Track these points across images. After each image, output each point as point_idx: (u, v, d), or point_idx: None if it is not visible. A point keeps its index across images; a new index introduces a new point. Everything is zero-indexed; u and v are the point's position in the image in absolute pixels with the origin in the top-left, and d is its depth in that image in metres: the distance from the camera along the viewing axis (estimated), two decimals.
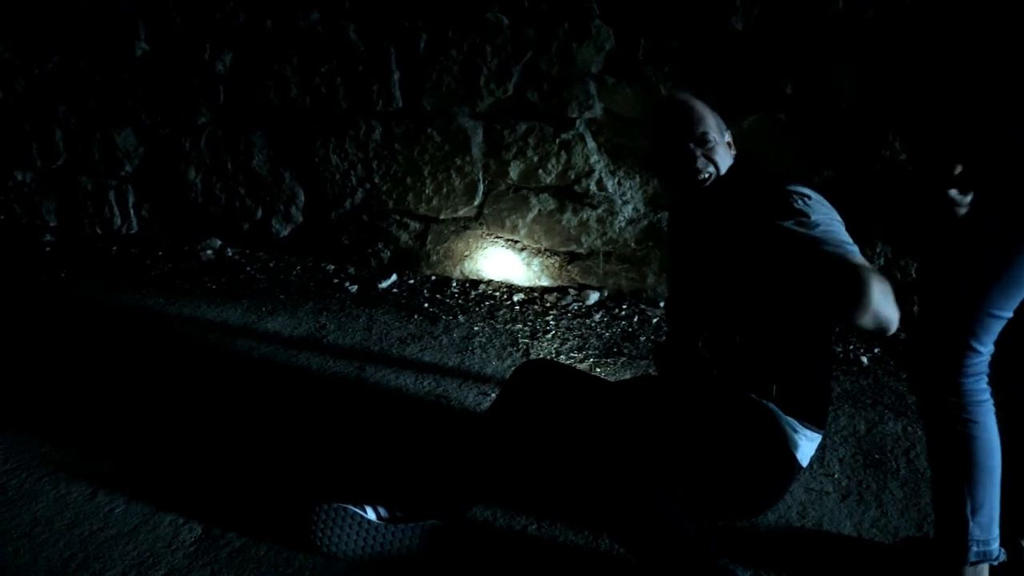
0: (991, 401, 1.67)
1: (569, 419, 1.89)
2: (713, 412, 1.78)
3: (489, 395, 2.62)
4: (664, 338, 2.13)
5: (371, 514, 1.84)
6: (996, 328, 1.63)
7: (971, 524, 1.66)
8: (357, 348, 3.05)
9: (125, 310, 3.48)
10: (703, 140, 1.79)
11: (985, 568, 1.69)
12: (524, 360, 2.00)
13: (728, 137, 1.87)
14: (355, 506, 1.84)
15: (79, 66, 4.24)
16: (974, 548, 1.66)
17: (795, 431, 1.74)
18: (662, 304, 3.33)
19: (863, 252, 1.56)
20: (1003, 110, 1.59)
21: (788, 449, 1.74)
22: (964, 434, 1.65)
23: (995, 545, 1.68)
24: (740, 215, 1.72)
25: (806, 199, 1.63)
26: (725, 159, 1.82)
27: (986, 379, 1.67)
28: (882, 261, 3.04)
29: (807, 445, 1.76)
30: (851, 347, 2.97)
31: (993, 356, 1.68)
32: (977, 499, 1.65)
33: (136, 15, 4.02)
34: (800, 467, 1.77)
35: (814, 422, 1.78)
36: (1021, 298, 1.61)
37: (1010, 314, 1.62)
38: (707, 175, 1.79)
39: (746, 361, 1.77)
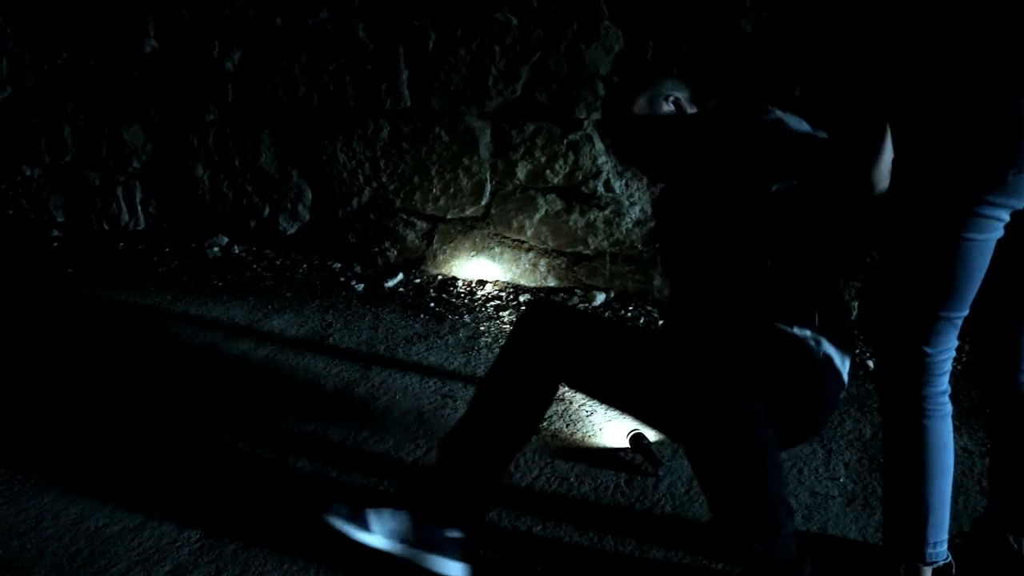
0: (949, 404, 1.64)
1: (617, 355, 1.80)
2: (763, 345, 1.76)
3: None
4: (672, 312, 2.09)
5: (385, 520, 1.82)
6: (949, 330, 1.59)
7: (928, 525, 1.64)
8: (363, 347, 3.05)
9: (131, 307, 3.49)
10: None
11: (929, 571, 1.67)
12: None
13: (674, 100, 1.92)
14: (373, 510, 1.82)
15: (88, 63, 4.25)
16: (929, 549, 1.64)
17: (840, 356, 1.76)
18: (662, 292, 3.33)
19: None
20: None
21: (836, 370, 1.75)
22: (919, 437, 1.62)
23: (945, 548, 1.66)
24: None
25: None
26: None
27: (946, 381, 1.63)
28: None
29: (845, 367, 1.78)
30: (856, 351, 2.97)
31: (987, 352, 1.67)
32: (932, 502, 1.63)
33: (146, 12, 4.03)
34: (845, 384, 1.81)
35: (847, 345, 1.80)
36: (970, 297, 1.56)
37: (963, 313, 1.57)
38: None
39: (784, 295, 1.77)
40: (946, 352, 1.61)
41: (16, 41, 4.42)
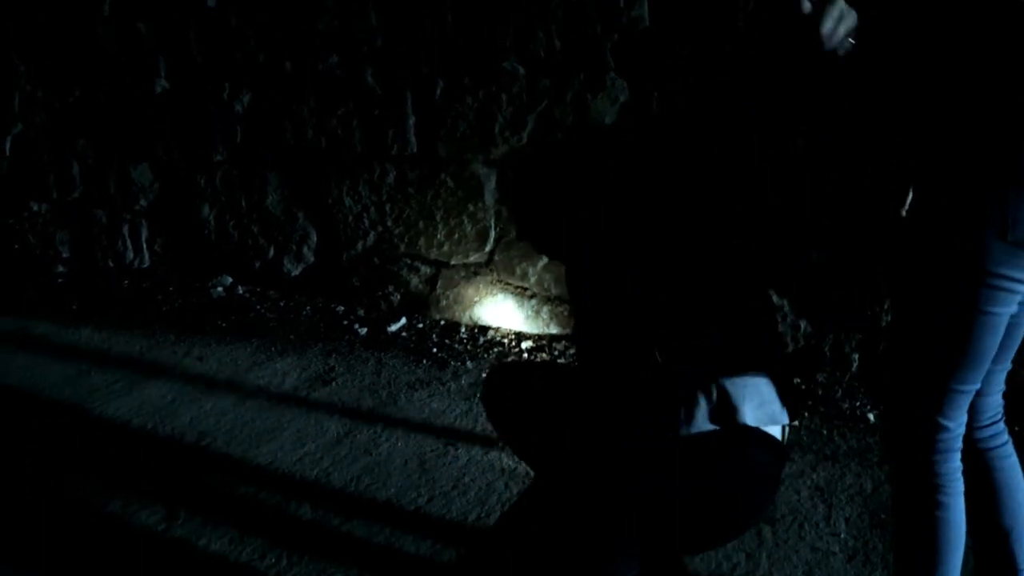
0: (961, 481, 1.61)
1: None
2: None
3: (496, 443, 2.61)
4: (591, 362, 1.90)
5: None
6: (963, 402, 1.58)
7: None
8: (366, 391, 3.06)
9: (136, 346, 3.51)
10: None
11: None
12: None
13: None
14: None
15: (100, 101, 4.31)
16: None
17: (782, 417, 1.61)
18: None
19: None
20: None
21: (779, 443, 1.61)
22: (933, 513, 1.60)
23: None
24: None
25: None
26: None
27: (959, 456, 1.61)
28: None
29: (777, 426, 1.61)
30: (857, 404, 2.97)
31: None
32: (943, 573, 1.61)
33: (158, 53, 4.09)
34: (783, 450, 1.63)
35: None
36: (984, 369, 1.55)
37: (976, 386, 1.57)
38: None
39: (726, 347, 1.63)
40: (959, 424, 1.60)
41: (29, 78, 4.48)
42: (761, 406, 1.56)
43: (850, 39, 1.40)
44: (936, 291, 1.52)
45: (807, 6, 1.37)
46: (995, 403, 1.73)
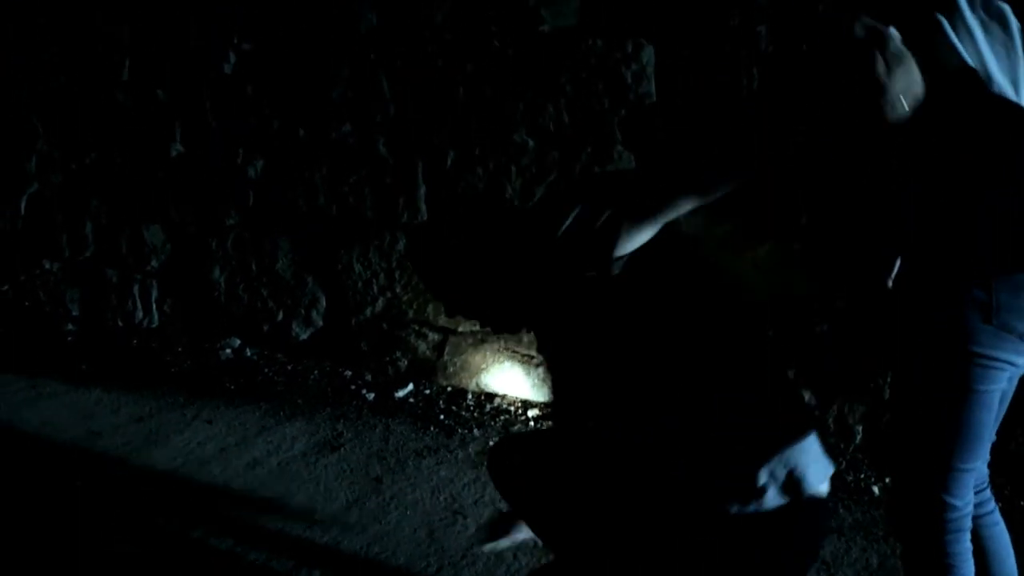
0: (972, 562, 1.63)
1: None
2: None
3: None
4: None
5: None
6: (969, 480, 1.61)
7: None
8: (374, 458, 3.08)
9: (146, 407, 3.54)
10: None
11: None
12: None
13: None
14: None
15: (115, 163, 4.39)
16: None
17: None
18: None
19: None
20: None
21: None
22: None
23: None
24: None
25: None
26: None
27: (969, 536, 1.64)
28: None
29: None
30: (861, 476, 2.99)
31: None
32: None
33: (174, 118, 4.18)
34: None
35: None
36: (986, 445, 1.59)
37: (979, 463, 1.60)
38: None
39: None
40: (967, 502, 1.62)
41: (47, 139, 4.57)
42: (817, 464, 1.54)
43: (905, 104, 1.36)
44: (929, 371, 1.56)
45: (882, 68, 1.34)
46: (981, 473, 1.76)
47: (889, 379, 3.02)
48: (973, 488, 1.69)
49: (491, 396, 3.66)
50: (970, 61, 1.38)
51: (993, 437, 1.70)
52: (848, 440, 3.12)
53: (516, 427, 3.39)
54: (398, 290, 3.81)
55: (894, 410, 1.72)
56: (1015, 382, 1.63)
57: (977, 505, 1.72)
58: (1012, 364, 1.53)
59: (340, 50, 3.72)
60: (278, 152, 3.97)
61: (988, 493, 1.78)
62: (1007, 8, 1.41)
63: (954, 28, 1.39)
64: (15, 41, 4.50)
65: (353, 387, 3.78)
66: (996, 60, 1.40)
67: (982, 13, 1.41)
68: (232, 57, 3.99)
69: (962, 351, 1.51)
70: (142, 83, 4.24)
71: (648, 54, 3.19)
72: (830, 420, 3.13)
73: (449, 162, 3.59)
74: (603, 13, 3.24)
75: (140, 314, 4.53)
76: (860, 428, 3.09)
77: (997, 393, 1.55)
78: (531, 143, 3.44)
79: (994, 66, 1.40)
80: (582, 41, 3.28)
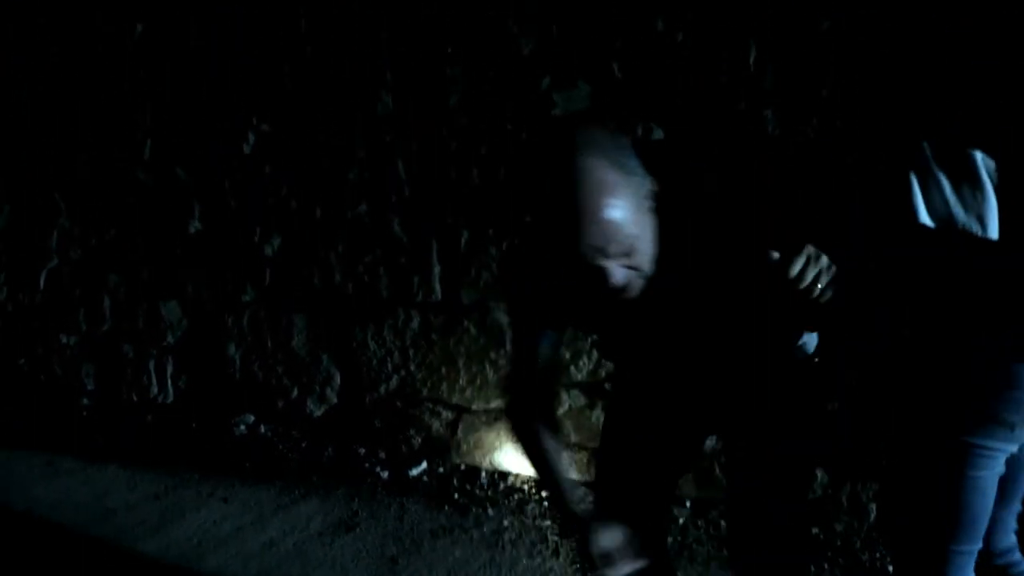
0: None
1: None
2: None
3: None
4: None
5: None
6: (967, 562, 1.61)
7: None
8: (389, 538, 3.10)
9: (161, 484, 3.56)
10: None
11: None
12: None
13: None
14: None
15: (134, 240, 4.47)
16: None
17: None
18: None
19: None
20: None
21: None
22: None
23: None
24: None
25: None
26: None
27: None
28: None
29: None
30: (876, 555, 2.99)
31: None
32: None
33: (193, 196, 4.27)
34: None
35: None
36: (982, 528, 1.59)
37: (978, 545, 1.60)
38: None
39: None
40: None
41: (68, 215, 4.66)
42: None
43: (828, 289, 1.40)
44: (922, 454, 1.59)
45: (774, 256, 1.39)
46: (1007, 541, 1.76)
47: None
48: (999, 548, 1.71)
49: (504, 475, 3.68)
50: (937, 210, 1.50)
51: (1019, 507, 1.72)
52: (862, 519, 3.13)
53: (530, 505, 3.40)
54: (412, 368, 3.85)
55: (889, 490, 1.74)
56: (1020, 460, 1.65)
57: (1005, 565, 1.75)
58: (1004, 451, 1.56)
59: (357, 132, 3.81)
60: (295, 231, 4.04)
61: (1017, 555, 1.78)
62: (977, 154, 1.51)
63: (923, 182, 1.51)
64: (40, 126, 4.62)
65: (367, 465, 3.80)
66: (962, 202, 1.50)
67: (950, 162, 1.51)
68: (251, 137, 4.08)
69: (953, 438, 1.54)
70: (163, 161, 4.34)
71: (658, 137, 3.27)
72: (843, 499, 3.14)
73: (463, 242, 3.66)
74: (614, 97, 3.33)
75: (155, 389, 4.57)
76: (873, 506, 3.10)
77: (992, 477, 1.57)
78: None
79: (959, 208, 1.50)
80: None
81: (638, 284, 1.44)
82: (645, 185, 1.43)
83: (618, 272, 1.40)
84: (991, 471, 1.56)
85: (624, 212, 1.37)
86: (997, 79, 1.69)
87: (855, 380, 3.01)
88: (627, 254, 1.40)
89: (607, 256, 1.38)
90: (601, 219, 1.36)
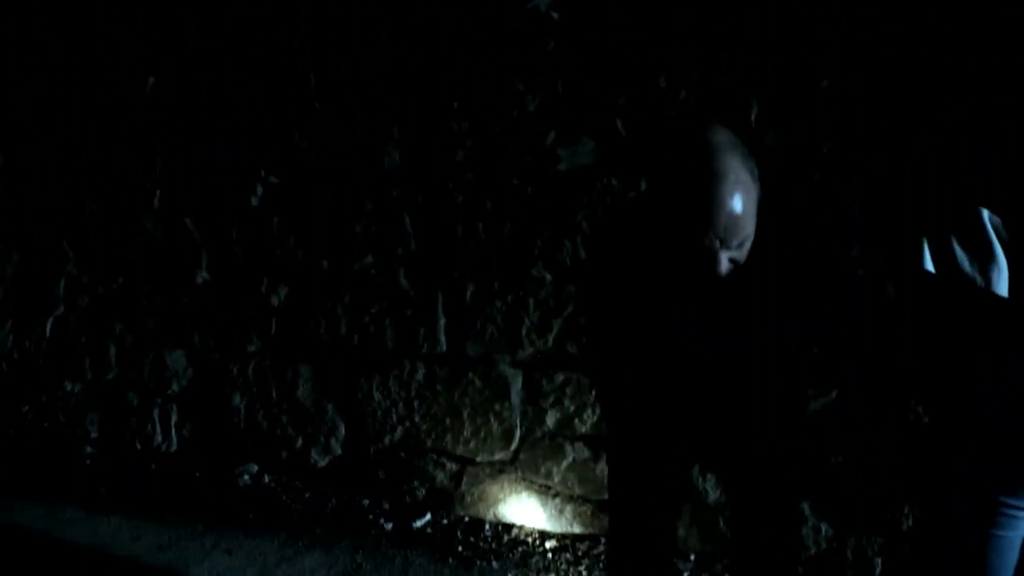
0: None
1: None
2: None
3: None
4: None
5: None
6: None
7: None
8: None
9: (165, 536, 3.56)
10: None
11: None
12: None
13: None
14: None
15: (142, 288, 4.50)
16: None
17: None
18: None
19: None
20: None
21: None
22: None
23: None
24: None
25: None
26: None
27: None
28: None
29: None
30: None
31: None
32: None
33: (201, 247, 4.31)
34: None
35: None
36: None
37: None
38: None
39: None
40: None
41: (76, 263, 4.69)
42: None
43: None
44: (948, 512, 1.60)
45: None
46: None
47: (907, 510, 3.05)
48: None
49: (508, 527, 3.67)
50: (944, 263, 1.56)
51: None
52: (868, 573, 3.13)
53: (534, 558, 3.39)
54: (417, 419, 3.86)
55: (918, 544, 1.75)
56: None
57: None
58: None
59: (364, 186, 3.87)
60: (302, 282, 4.08)
61: None
62: (983, 212, 1.57)
63: (931, 241, 1.59)
64: (50, 174, 4.68)
65: (371, 516, 3.79)
66: (968, 257, 1.55)
67: (957, 222, 1.57)
68: (260, 189, 4.14)
69: (980, 496, 1.55)
70: (172, 212, 4.39)
71: None
72: (848, 552, 3.14)
73: (468, 295, 3.69)
74: (619, 153, 3.38)
75: (159, 438, 4.57)
76: (879, 560, 3.10)
77: (1016, 539, 1.57)
78: (548, 277, 3.55)
79: (965, 263, 1.55)
80: (598, 180, 3.42)
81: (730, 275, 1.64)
82: (758, 190, 1.63)
83: (725, 262, 1.61)
84: (1016, 532, 1.57)
85: (748, 209, 1.59)
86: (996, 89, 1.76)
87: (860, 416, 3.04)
88: (739, 247, 1.62)
89: (725, 246, 1.59)
90: (731, 212, 1.56)
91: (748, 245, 1.63)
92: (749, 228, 1.61)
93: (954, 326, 1.56)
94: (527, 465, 3.67)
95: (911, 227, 1.56)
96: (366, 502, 3.94)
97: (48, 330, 4.87)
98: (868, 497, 3.06)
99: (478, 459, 3.77)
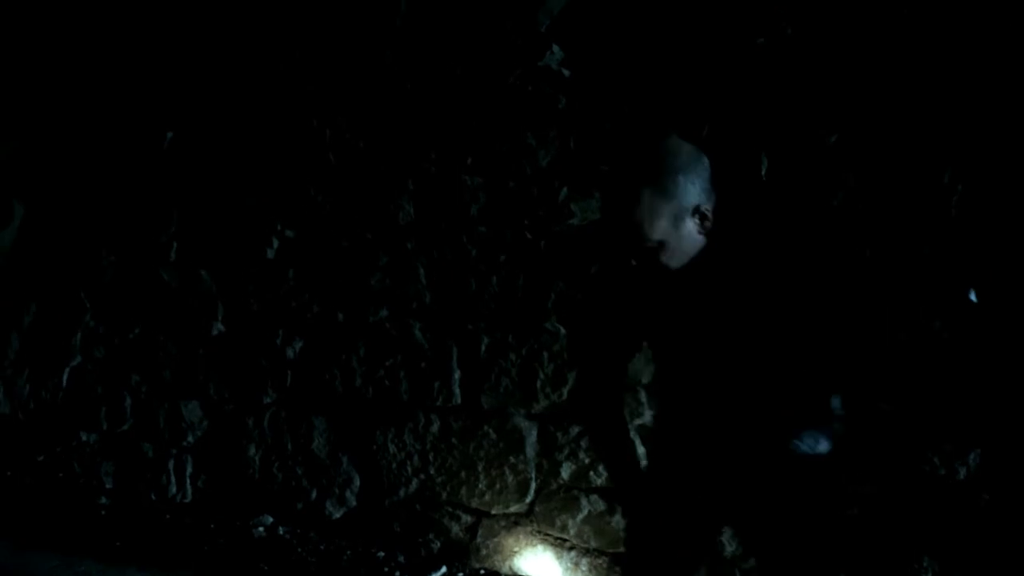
0: None
1: None
2: None
3: None
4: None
5: None
6: None
7: None
8: None
9: None
10: None
11: None
12: None
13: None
14: None
15: (158, 339, 4.55)
16: None
17: None
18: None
19: None
20: None
21: None
22: None
23: None
24: None
25: None
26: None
27: None
28: None
29: None
30: None
31: None
32: None
33: (217, 299, 4.36)
34: None
35: None
36: None
37: None
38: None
39: None
40: None
41: (93, 314, 4.74)
42: None
43: None
44: None
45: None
46: None
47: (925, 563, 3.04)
48: None
49: None
50: None
51: None
52: None
53: None
54: (432, 471, 3.87)
55: None
56: None
57: None
58: None
59: (379, 239, 3.92)
60: (317, 334, 4.12)
61: None
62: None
63: None
64: (68, 225, 4.75)
65: (386, 569, 3.80)
66: None
67: None
68: (275, 242, 4.20)
69: None
70: (188, 264, 4.45)
71: None
72: None
73: (483, 348, 3.72)
74: None
75: (174, 488, 4.59)
76: None
77: None
78: (562, 330, 3.58)
79: None
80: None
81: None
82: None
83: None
84: None
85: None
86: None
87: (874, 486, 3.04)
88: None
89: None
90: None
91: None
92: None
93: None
94: (542, 517, 3.68)
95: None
96: (381, 554, 3.94)
97: (65, 380, 4.91)
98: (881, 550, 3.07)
99: (493, 511, 3.77)
